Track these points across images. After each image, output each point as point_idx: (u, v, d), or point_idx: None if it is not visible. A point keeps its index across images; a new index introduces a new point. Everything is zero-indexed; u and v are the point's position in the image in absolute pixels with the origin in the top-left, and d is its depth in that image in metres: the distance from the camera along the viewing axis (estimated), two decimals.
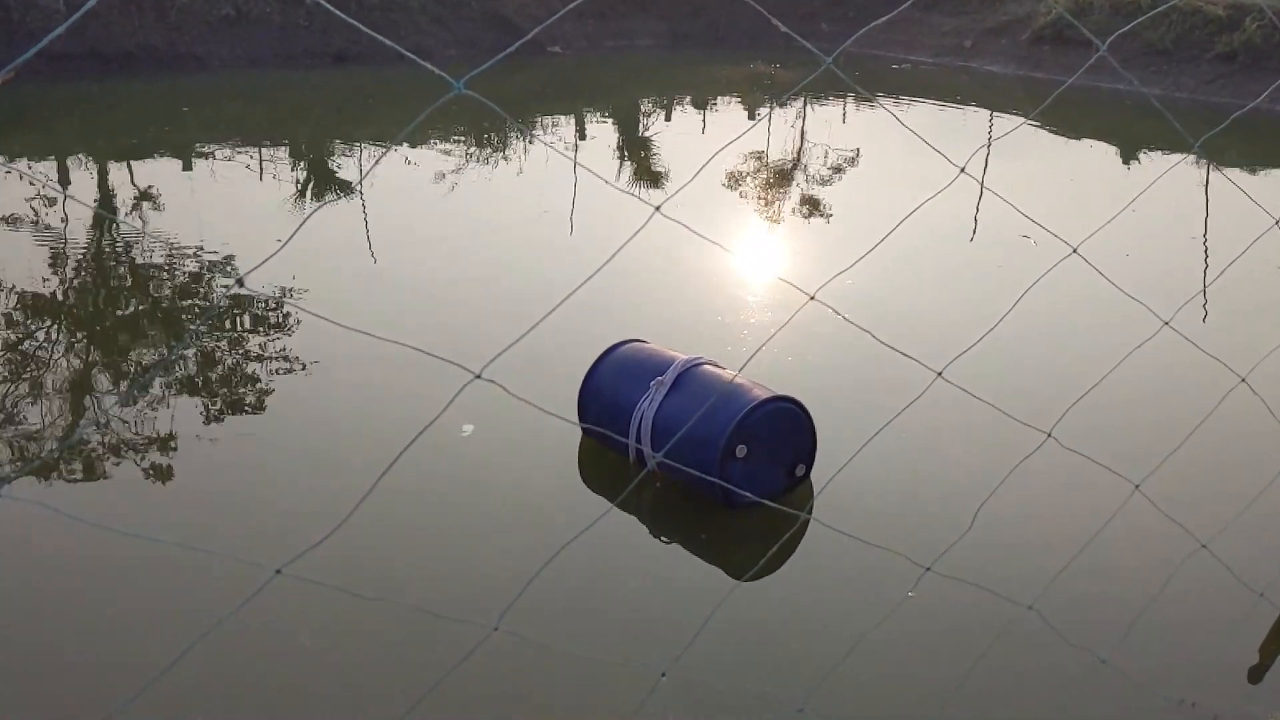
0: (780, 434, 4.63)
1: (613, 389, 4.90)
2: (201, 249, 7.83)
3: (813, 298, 2.25)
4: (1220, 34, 14.50)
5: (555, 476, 4.92)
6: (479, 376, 1.78)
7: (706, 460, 4.43)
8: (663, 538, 4.52)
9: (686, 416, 4.52)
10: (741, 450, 4.48)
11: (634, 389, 4.79)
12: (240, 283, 1.54)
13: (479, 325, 6.44)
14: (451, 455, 4.83)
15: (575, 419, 4.97)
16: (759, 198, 10.23)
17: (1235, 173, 11.11)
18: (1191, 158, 10.56)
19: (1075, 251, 2.70)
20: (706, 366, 4.82)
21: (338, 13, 1.70)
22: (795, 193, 10.32)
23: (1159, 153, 11.60)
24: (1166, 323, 2.96)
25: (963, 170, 2.44)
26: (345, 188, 10.05)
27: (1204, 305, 6.85)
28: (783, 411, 4.62)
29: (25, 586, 4.00)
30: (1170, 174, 10.15)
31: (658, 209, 1.98)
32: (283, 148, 11.74)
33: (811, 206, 9.68)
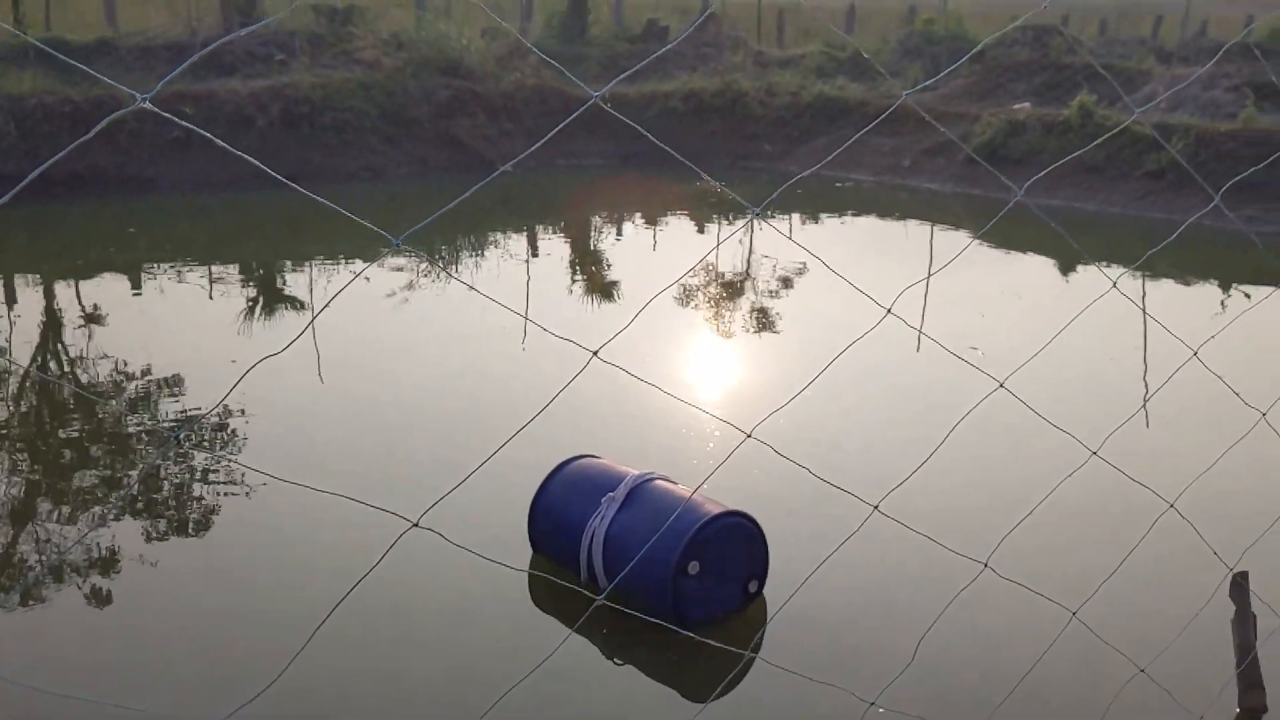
0: (733, 549, 4.61)
1: (563, 506, 4.87)
2: (150, 370, 7.74)
3: (749, 435, 2.28)
4: (1148, 153, 15.06)
5: (508, 604, 4.83)
6: (416, 525, 1.77)
7: (658, 579, 4.39)
8: (615, 660, 4.44)
9: (639, 532, 4.49)
10: (694, 567, 4.44)
11: (585, 505, 4.76)
12: (184, 432, 1.51)
13: (425, 455, 6.39)
14: (398, 595, 4.73)
15: (519, 558, 4.97)
16: (709, 313, 10.34)
17: (1170, 284, 11.46)
18: (1129, 270, 10.86)
19: (1002, 386, 2.75)
20: (659, 481, 4.81)
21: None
22: (744, 307, 10.44)
23: (1094, 266, 11.91)
24: (1094, 453, 3.02)
25: (889, 311, 2.49)
26: (298, 306, 10.02)
27: (1146, 422, 6.97)
28: (735, 527, 4.61)
29: None
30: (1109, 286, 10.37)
31: (595, 354, 2.01)
32: (232, 266, 11.73)
33: (761, 322, 9.79)
